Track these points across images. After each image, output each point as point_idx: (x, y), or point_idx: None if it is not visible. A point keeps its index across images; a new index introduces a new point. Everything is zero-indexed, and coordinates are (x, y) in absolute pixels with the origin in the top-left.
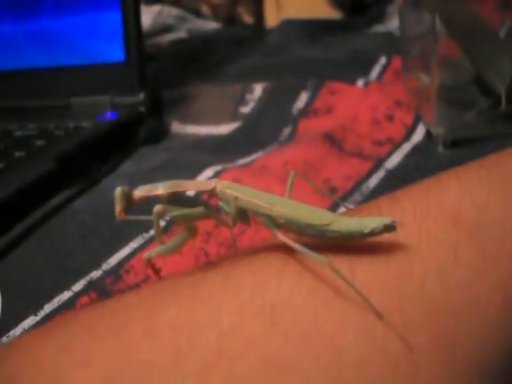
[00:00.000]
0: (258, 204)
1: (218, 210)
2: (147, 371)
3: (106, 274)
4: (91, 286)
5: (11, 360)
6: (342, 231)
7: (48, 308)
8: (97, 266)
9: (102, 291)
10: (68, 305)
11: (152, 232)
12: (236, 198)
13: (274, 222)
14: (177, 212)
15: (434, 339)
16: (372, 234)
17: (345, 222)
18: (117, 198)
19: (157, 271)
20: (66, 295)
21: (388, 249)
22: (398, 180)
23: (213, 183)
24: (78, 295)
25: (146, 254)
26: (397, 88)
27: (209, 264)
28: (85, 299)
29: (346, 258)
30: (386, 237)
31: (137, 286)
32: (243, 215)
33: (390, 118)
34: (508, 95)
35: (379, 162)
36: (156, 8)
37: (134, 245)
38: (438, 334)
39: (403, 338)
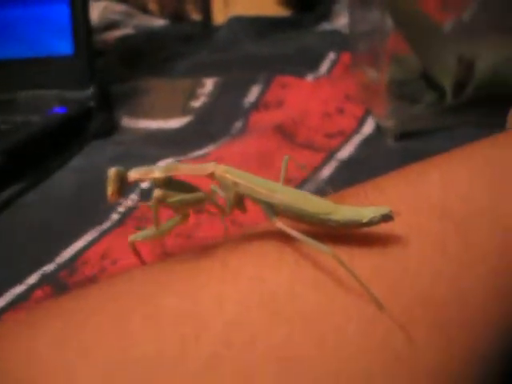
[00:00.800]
0: (258, 190)
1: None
2: (152, 364)
3: (60, 267)
4: (45, 279)
5: (2, 354)
6: (340, 220)
7: (1, 302)
8: (50, 259)
9: (56, 284)
10: (22, 298)
11: (106, 225)
12: (235, 184)
13: (272, 209)
14: (177, 197)
15: (430, 329)
16: (370, 223)
17: (343, 210)
18: (110, 178)
19: (139, 256)
20: (18, 289)
21: (383, 240)
22: (349, 170)
23: (211, 167)
24: (31, 289)
25: (130, 237)
26: (346, 82)
27: (200, 250)
28: (39, 293)
29: (344, 249)
30: (379, 228)
31: (94, 277)
32: (240, 201)
33: (341, 111)
34: (453, 89)
35: (331, 154)
36: (102, 3)
37: (89, 237)
38: (433, 324)
39: (404, 328)
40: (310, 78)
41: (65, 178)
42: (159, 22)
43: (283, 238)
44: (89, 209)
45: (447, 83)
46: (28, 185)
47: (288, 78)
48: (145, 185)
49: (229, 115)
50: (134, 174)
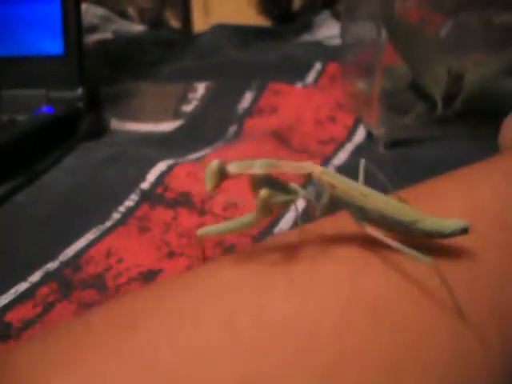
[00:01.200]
0: (353, 195)
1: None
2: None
3: (64, 264)
4: (49, 276)
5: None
6: (425, 230)
7: (5, 299)
8: (52, 257)
9: (62, 282)
10: (27, 295)
11: (108, 224)
12: (332, 186)
13: (363, 215)
14: (280, 197)
15: (503, 338)
16: (451, 235)
17: (428, 220)
18: (211, 171)
19: (203, 252)
20: (23, 286)
21: (454, 248)
22: (348, 176)
23: (310, 167)
24: (36, 286)
25: (200, 231)
26: (335, 92)
27: (281, 248)
28: (45, 289)
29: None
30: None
31: (99, 276)
32: (331, 204)
33: (333, 119)
34: (443, 100)
35: (326, 160)
36: (82, 6)
37: (91, 236)
38: (503, 332)
39: (484, 339)
40: (299, 85)
41: (59, 178)
42: (138, 28)
43: (368, 244)
44: (88, 208)
45: (438, 94)
46: (18, 185)
47: (281, 85)
48: (145, 185)
49: (223, 120)
50: (234, 169)
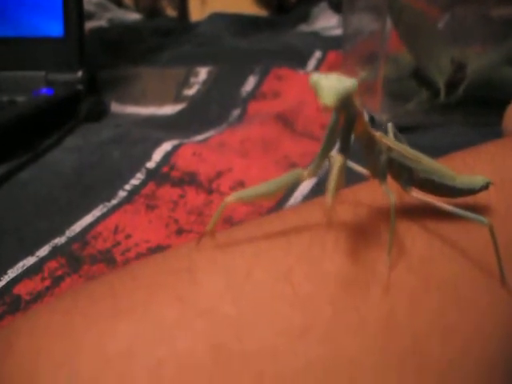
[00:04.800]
0: (407, 156)
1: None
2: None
3: (72, 239)
4: (57, 251)
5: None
6: (462, 187)
7: (13, 273)
8: (59, 232)
9: (70, 256)
10: (35, 269)
11: (114, 201)
12: (389, 149)
13: (411, 178)
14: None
15: None
16: (479, 190)
17: (461, 178)
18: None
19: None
20: (30, 260)
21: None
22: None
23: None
24: (44, 260)
25: (228, 198)
26: None
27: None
28: (53, 264)
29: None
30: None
31: (108, 251)
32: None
33: None
34: (446, 88)
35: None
36: None
37: (97, 213)
38: None
39: None
40: (301, 73)
41: (63, 157)
42: (134, 16)
43: (406, 210)
44: (93, 186)
45: (441, 82)
46: (22, 162)
47: (284, 70)
48: (151, 165)
49: (226, 103)
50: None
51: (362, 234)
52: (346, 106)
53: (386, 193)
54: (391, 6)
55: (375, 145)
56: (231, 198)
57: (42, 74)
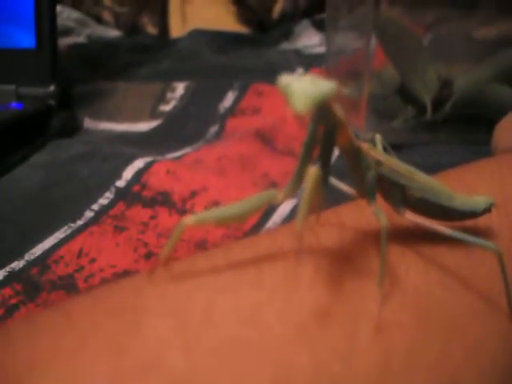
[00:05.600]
0: (399, 172)
1: None
2: None
3: (30, 264)
4: (13, 276)
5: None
6: (461, 208)
7: None
8: (18, 256)
9: (27, 282)
10: None
11: (80, 222)
12: (378, 163)
13: (403, 198)
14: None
15: None
16: (482, 213)
17: (462, 198)
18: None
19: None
20: None
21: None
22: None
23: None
24: None
25: (187, 219)
26: None
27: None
28: (7, 291)
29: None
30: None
31: (69, 277)
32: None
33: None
34: (433, 104)
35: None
36: (57, 8)
37: (61, 235)
38: None
39: None
40: None
41: (29, 174)
42: (113, 33)
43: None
44: (58, 206)
45: (428, 99)
46: None
47: (264, 86)
48: (121, 183)
49: (203, 119)
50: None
51: (346, 263)
52: (323, 114)
53: (376, 214)
54: (377, 22)
55: (362, 159)
56: (190, 219)
57: (12, 87)
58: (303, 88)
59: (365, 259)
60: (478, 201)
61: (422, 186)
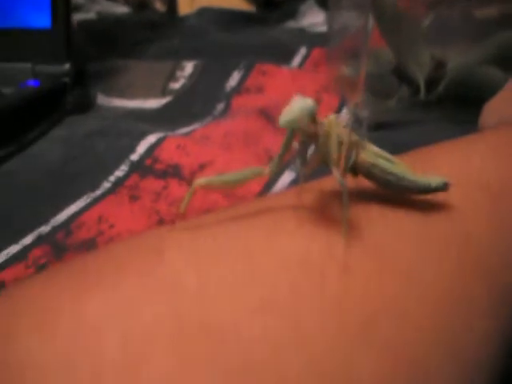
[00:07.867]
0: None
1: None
2: None
3: (56, 228)
4: (41, 239)
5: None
6: (414, 183)
7: None
8: (44, 221)
9: (54, 245)
10: (19, 257)
11: (98, 192)
12: (340, 136)
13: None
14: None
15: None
16: (435, 189)
17: (417, 175)
18: None
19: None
20: (15, 248)
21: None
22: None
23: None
24: (28, 248)
25: (196, 182)
26: (320, 76)
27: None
28: (37, 252)
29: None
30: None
31: (91, 240)
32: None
33: (319, 101)
34: (426, 85)
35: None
36: None
37: (81, 203)
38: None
39: None
40: (284, 69)
41: (49, 148)
42: (122, 10)
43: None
44: (78, 177)
45: (421, 79)
46: (8, 153)
47: (268, 66)
48: (135, 157)
49: (211, 97)
50: None
51: (321, 218)
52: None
53: (336, 177)
54: (374, 2)
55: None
56: (202, 180)
57: (28, 65)
58: (290, 106)
59: (335, 215)
60: (434, 179)
61: (372, 154)
